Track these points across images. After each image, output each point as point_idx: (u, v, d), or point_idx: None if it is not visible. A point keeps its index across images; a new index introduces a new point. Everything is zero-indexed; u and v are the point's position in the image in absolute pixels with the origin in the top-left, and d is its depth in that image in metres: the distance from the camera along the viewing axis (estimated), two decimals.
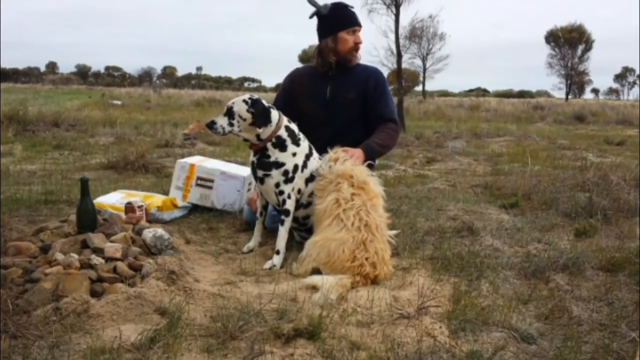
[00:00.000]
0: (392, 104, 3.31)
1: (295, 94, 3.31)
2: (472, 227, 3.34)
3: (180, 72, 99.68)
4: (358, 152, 2.94)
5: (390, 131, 3.18)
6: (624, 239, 3.19)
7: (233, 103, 2.79)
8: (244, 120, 2.76)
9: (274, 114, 2.82)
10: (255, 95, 2.85)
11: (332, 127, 3.17)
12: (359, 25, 3.20)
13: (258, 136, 2.80)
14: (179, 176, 3.73)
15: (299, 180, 2.85)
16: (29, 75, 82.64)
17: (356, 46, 3.20)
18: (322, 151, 2.95)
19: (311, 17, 3.20)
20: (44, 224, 2.84)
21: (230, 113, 2.77)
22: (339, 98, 3.21)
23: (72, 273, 2.14)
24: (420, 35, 29.71)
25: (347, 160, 2.79)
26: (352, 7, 3.21)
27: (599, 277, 2.63)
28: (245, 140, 2.87)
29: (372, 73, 3.29)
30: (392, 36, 13.30)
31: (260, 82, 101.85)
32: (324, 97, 3.22)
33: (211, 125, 2.78)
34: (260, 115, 2.75)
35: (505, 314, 2.15)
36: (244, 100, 2.78)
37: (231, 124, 2.76)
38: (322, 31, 3.20)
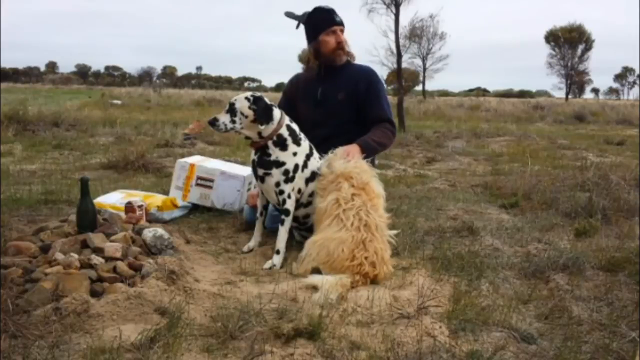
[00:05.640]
0: (388, 106, 3.29)
1: (293, 97, 3.39)
2: (472, 227, 3.34)
3: (180, 72, 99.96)
4: (355, 148, 2.94)
5: (386, 130, 3.18)
6: (624, 239, 3.19)
7: (235, 100, 2.80)
8: (246, 117, 2.77)
9: (276, 112, 2.83)
10: (258, 93, 2.87)
11: (325, 129, 3.18)
12: (337, 24, 3.18)
13: (260, 134, 2.81)
14: (179, 176, 3.73)
15: (299, 180, 2.85)
16: (29, 75, 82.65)
17: (339, 45, 3.19)
18: (318, 152, 2.97)
19: (297, 27, 3.25)
20: (44, 223, 2.83)
21: (232, 110, 2.77)
22: (329, 99, 3.23)
23: (72, 273, 2.14)
24: (420, 35, 29.82)
25: (350, 161, 2.79)
26: (330, 8, 3.20)
27: (599, 277, 2.63)
28: (247, 137, 2.88)
29: (364, 73, 3.28)
30: (392, 36, 13.31)
31: (260, 82, 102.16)
32: (315, 99, 3.25)
33: (213, 122, 2.77)
34: (262, 112, 2.76)
35: (505, 314, 2.15)
36: (246, 98, 2.79)
37: (233, 121, 2.77)
38: (307, 38, 3.26)
